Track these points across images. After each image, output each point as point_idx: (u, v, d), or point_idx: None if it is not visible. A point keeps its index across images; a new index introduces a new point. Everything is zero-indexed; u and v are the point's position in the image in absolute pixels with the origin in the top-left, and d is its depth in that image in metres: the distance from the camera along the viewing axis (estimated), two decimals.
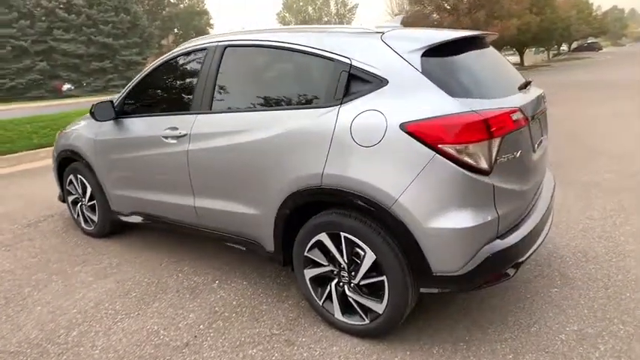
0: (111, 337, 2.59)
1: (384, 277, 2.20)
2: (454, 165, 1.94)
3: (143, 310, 2.84)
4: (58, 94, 36.03)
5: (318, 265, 2.47)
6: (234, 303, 2.86)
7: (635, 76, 17.61)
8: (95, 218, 3.99)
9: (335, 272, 2.42)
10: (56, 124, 9.13)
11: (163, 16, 52.13)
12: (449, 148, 1.94)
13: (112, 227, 4.00)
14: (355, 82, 2.24)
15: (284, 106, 2.55)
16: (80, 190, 4.05)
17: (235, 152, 2.65)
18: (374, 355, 2.30)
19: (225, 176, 2.76)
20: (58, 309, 2.91)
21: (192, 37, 4.02)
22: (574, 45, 64.56)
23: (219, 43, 2.88)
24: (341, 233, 2.29)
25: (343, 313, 2.44)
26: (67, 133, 4.13)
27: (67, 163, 4.12)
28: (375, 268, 2.23)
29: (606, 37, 79.84)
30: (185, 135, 2.89)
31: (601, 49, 59.22)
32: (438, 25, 24.31)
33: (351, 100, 2.22)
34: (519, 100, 2.28)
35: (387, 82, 2.14)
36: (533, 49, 51.30)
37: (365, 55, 2.24)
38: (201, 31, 46.72)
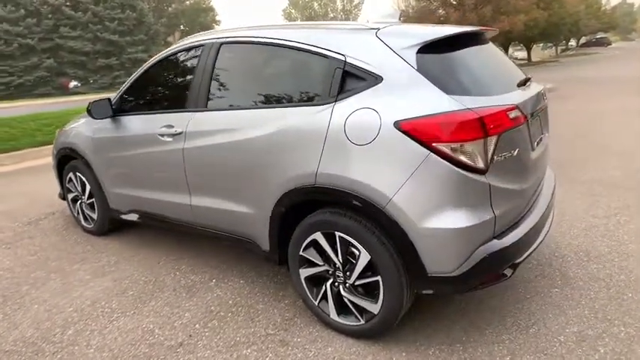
0: (106, 336, 2.58)
1: (378, 278, 2.17)
2: (449, 164, 1.90)
3: (139, 309, 2.83)
4: (65, 92, 36.23)
5: (314, 264, 2.44)
6: (230, 302, 2.84)
7: None
8: (94, 216, 3.99)
9: (330, 272, 2.39)
10: (60, 121, 9.16)
11: (169, 12, 52.22)
12: (443, 147, 1.90)
13: (111, 225, 3.99)
14: (350, 79, 2.21)
15: (278, 103, 2.52)
16: (79, 188, 4.05)
17: (230, 150, 2.62)
18: (369, 356, 2.27)
19: (221, 175, 2.74)
20: (55, 307, 2.90)
21: None
22: (582, 40, 63.96)
23: (215, 40, 2.85)
24: (336, 233, 2.26)
25: (339, 313, 2.41)
26: (67, 131, 4.12)
27: (67, 160, 4.12)
28: (370, 268, 2.20)
29: (615, 32, 78.94)
30: (181, 133, 2.87)
31: (610, 45, 58.58)
32: (444, 20, 24.13)
33: (346, 97, 2.18)
34: (518, 97, 2.23)
35: (382, 79, 2.10)
36: (541, 44, 50.84)
37: (359, 52, 2.20)
38: (207, 28, 46.66)
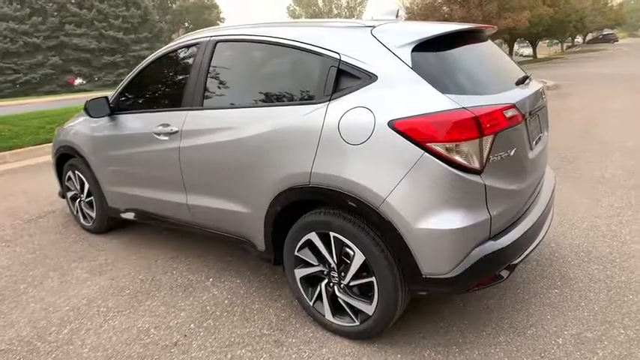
0: (101, 335, 2.57)
1: (373, 279, 2.14)
2: (443, 164, 1.87)
3: (135, 308, 2.82)
4: (70, 89, 36.42)
5: (309, 264, 2.42)
6: (226, 302, 2.82)
7: None
8: (93, 214, 3.99)
9: (325, 272, 2.37)
10: (62, 118, 9.19)
11: (174, 10, 52.27)
12: (438, 147, 1.87)
13: (109, 223, 3.99)
14: (344, 77, 2.17)
15: (273, 102, 2.49)
16: (78, 187, 4.04)
17: (225, 149, 2.60)
18: (364, 358, 2.25)
19: (216, 174, 2.72)
20: (52, 306, 2.90)
21: None
22: (589, 37, 63.43)
23: (211, 38, 2.83)
24: (330, 233, 2.23)
25: (334, 314, 2.39)
26: (66, 129, 4.11)
27: (66, 159, 4.11)
28: (365, 269, 2.18)
29: (622, 29, 78.27)
30: (176, 132, 2.85)
31: (617, 41, 58.08)
32: (449, 17, 23.97)
33: (340, 96, 2.15)
34: (515, 95, 2.20)
35: (377, 77, 2.07)
36: (547, 41, 50.48)
37: (354, 50, 2.17)
38: (212, 25, 46.73)
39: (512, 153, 2.06)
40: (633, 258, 3.04)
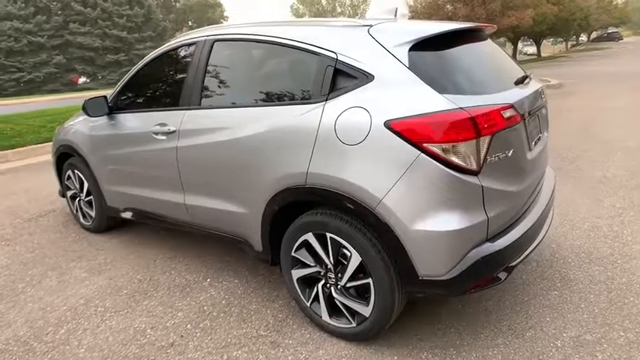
0: (98, 335, 2.56)
1: (370, 280, 2.13)
2: (440, 165, 1.85)
3: (132, 308, 2.81)
4: (74, 87, 36.54)
5: (306, 265, 2.41)
6: (223, 302, 2.81)
7: None
8: (93, 214, 3.99)
9: (322, 273, 2.35)
10: (64, 117, 9.19)
11: (177, 8, 52.33)
12: (434, 148, 1.85)
13: (109, 223, 3.98)
14: (341, 77, 2.16)
15: (270, 101, 2.47)
16: (78, 186, 4.04)
17: (222, 149, 2.59)
18: (360, 359, 2.24)
19: (213, 174, 2.71)
20: (49, 306, 2.90)
21: None
22: (593, 35, 63.12)
23: (208, 38, 2.81)
24: (327, 234, 2.22)
25: (331, 315, 2.37)
26: (65, 128, 4.12)
27: (66, 158, 4.11)
28: (361, 270, 2.16)
29: (627, 27, 77.80)
30: (174, 131, 2.84)
31: (621, 39, 57.75)
32: (452, 15, 23.88)
33: (337, 96, 2.13)
34: (514, 95, 2.17)
35: (373, 77, 2.05)
36: (551, 39, 50.24)
37: (351, 50, 2.15)
38: (216, 24, 46.79)
39: (510, 154, 2.03)
40: (635, 259, 3.01)
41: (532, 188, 2.38)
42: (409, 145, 1.88)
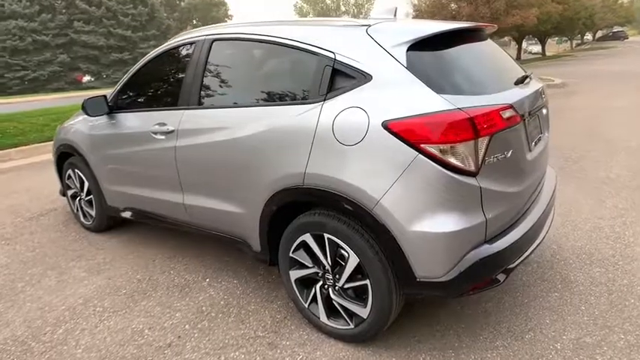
0: (96, 335, 2.56)
1: (367, 281, 2.11)
2: (438, 166, 1.83)
3: (131, 308, 2.81)
4: (78, 86, 36.65)
5: (303, 266, 2.39)
6: (222, 302, 2.81)
7: None
8: (93, 213, 3.99)
9: (320, 274, 2.34)
10: (67, 116, 9.16)
11: (182, 7, 52.39)
12: (432, 148, 1.83)
13: (109, 222, 3.98)
14: (339, 77, 2.14)
15: (269, 101, 2.46)
16: (78, 185, 4.04)
17: (221, 149, 2.58)
18: None
19: (212, 174, 2.70)
20: (48, 305, 2.89)
21: None
22: (598, 34, 62.81)
23: (207, 37, 2.80)
24: (324, 234, 2.20)
25: (328, 316, 2.36)
26: (66, 128, 4.12)
27: (66, 157, 4.12)
28: (359, 272, 2.15)
29: (632, 26, 77.36)
30: (173, 131, 2.84)
31: (627, 38, 57.42)
32: (456, 14, 23.79)
33: (335, 96, 2.12)
34: (513, 95, 2.15)
35: (371, 77, 2.03)
36: (556, 39, 50.01)
37: (349, 49, 2.13)
38: (220, 23, 46.80)
39: (509, 154, 2.01)
40: (636, 261, 2.99)
41: (532, 189, 2.36)
42: (407, 146, 1.86)
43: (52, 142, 8.14)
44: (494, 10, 22.72)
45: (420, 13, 26.04)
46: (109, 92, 3.63)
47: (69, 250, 3.75)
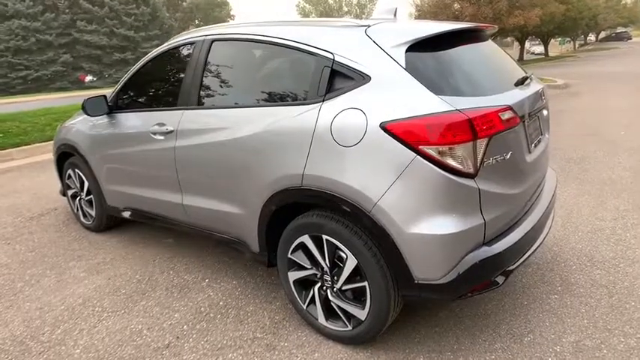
0: (94, 336, 2.56)
1: (365, 283, 2.10)
2: (436, 167, 1.82)
3: (129, 309, 2.80)
4: (81, 85, 36.74)
5: (302, 267, 2.39)
6: (220, 303, 2.80)
7: None
8: (93, 213, 3.99)
9: (318, 276, 2.33)
10: (69, 115, 9.18)
11: (184, 7, 52.46)
12: (430, 150, 1.82)
13: (109, 222, 3.98)
14: (338, 78, 2.13)
15: (267, 102, 2.45)
16: (78, 185, 4.04)
17: (220, 149, 2.57)
18: None
19: (210, 174, 2.69)
20: (47, 305, 2.89)
21: None
22: (602, 35, 62.64)
23: (207, 37, 2.80)
24: (323, 236, 2.20)
25: (327, 318, 2.35)
26: (66, 127, 4.12)
27: (66, 157, 4.12)
28: (357, 273, 2.14)
29: (636, 27, 77.10)
30: (172, 131, 2.83)
31: (630, 39, 57.27)
32: (459, 14, 23.74)
33: (334, 97, 2.11)
34: (513, 97, 2.13)
35: (370, 78, 2.02)
36: (559, 39, 49.89)
37: (348, 50, 2.12)
38: (222, 22, 46.87)
39: (508, 156, 2.00)
40: (637, 263, 2.97)
41: (532, 191, 2.35)
42: (405, 148, 1.85)
43: (53, 142, 8.21)
44: (497, 11, 22.68)
45: (422, 14, 26.00)
46: (110, 92, 3.64)
47: (69, 249, 3.75)
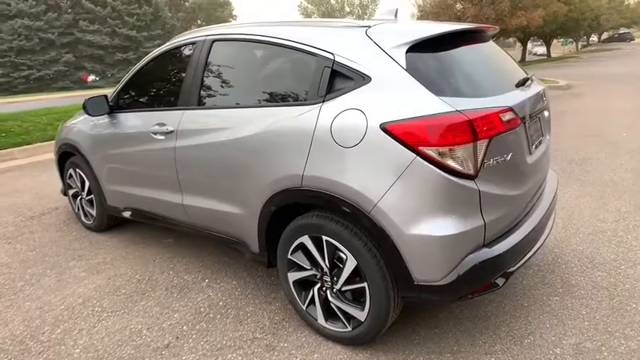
0: (94, 335, 2.56)
1: (365, 284, 2.10)
2: (436, 169, 1.82)
3: (129, 309, 2.80)
4: (83, 85, 36.81)
5: (301, 268, 2.38)
6: (220, 303, 2.80)
7: None
8: (94, 212, 3.99)
9: (318, 276, 2.33)
10: (71, 115, 9.21)
11: (186, 7, 52.53)
12: (430, 151, 1.81)
13: (109, 222, 3.99)
14: (338, 78, 2.12)
15: (268, 102, 2.45)
16: (79, 184, 4.05)
17: (220, 149, 2.57)
18: None
19: (210, 174, 2.69)
20: (47, 305, 2.89)
21: None
22: (604, 35, 62.54)
23: (207, 37, 2.79)
24: (322, 236, 2.19)
25: (326, 318, 2.35)
26: (68, 127, 4.13)
27: (67, 156, 4.12)
28: (357, 274, 2.13)
29: (638, 27, 76.97)
30: (172, 131, 2.83)
31: (633, 40, 57.13)
32: (461, 15, 23.73)
33: (334, 97, 2.10)
34: (514, 98, 2.13)
35: (370, 79, 2.01)
36: (561, 40, 49.82)
37: (348, 51, 2.12)
38: (224, 22, 46.88)
39: (508, 157, 1.99)
40: (639, 265, 2.96)
41: (532, 192, 2.34)
42: (405, 148, 1.85)
43: (54, 142, 8.23)
44: (499, 11, 22.66)
45: (424, 14, 25.99)
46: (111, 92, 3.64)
47: (69, 249, 3.75)
